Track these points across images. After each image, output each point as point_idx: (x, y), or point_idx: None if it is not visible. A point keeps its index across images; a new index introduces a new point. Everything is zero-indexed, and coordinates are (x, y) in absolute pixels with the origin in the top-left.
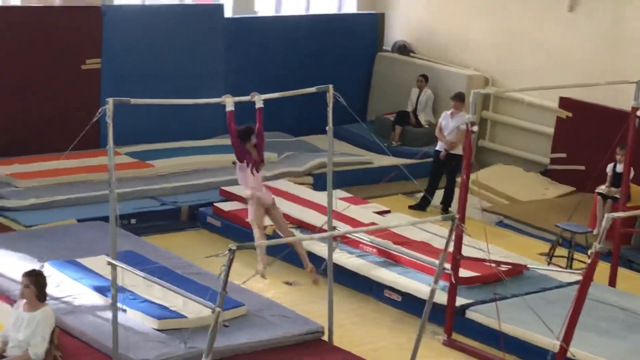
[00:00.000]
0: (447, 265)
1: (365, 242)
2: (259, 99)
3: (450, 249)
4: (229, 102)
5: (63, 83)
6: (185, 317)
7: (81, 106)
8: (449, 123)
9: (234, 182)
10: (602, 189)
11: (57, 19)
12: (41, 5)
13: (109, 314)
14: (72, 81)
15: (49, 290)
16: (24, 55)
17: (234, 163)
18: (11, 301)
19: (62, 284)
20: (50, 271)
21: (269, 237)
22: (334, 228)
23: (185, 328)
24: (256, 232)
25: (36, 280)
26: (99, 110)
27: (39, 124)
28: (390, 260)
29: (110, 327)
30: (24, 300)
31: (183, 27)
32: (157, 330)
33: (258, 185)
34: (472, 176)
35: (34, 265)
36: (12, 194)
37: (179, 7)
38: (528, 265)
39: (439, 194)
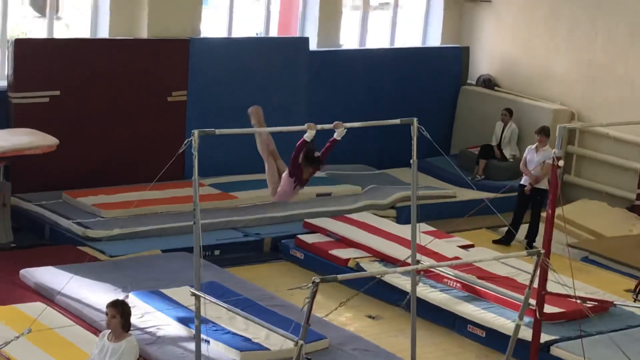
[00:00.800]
0: (532, 301)
1: (449, 276)
2: (340, 132)
3: (535, 284)
4: (311, 133)
5: (150, 115)
6: (268, 349)
7: (167, 138)
8: (534, 157)
9: (318, 215)
10: None
11: (145, 51)
12: (129, 38)
13: (192, 345)
14: (158, 113)
15: (133, 320)
16: (111, 87)
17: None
18: (97, 330)
19: (146, 314)
20: (134, 301)
21: (352, 270)
22: (418, 262)
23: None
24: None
25: (122, 310)
26: (185, 142)
27: (125, 155)
28: (474, 295)
29: (194, 358)
30: (109, 330)
31: (268, 60)
32: None
33: (287, 198)
34: (558, 211)
35: (119, 295)
36: (98, 224)
37: (264, 40)
38: (614, 302)
39: (523, 229)
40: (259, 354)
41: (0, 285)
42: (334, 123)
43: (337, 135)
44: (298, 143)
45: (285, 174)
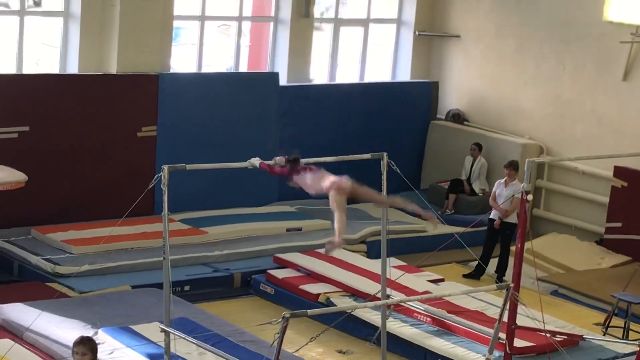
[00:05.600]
0: (502, 335)
1: (419, 310)
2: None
3: (505, 318)
4: (254, 161)
5: (119, 150)
6: None
7: (137, 173)
8: (503, 191)
9: (288, 250)
10: None
11: (114, 86)
12: (99, 73)
13: None
14: (128, 148)
15: (104, 356)
16: (81, 122)
17: (288, 230)
18: None
19: (115, 350)
20: (104, 338)
21: (323, 304)
22: (388, 296)
23: None
24: (337, 215)
25: (92, 347)
26: (155, 177)
27: (94, 191)
28: (445, 329)
29: None
30: None
31: (238, 95)
32: None
33: (323, 179)
34: (527, 245)
35: (88, 331)
36: (67, 261)
37: (234, 75)
38: (584, 336)
39: (493, 263)
40: None
41: None
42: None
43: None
44: (267, 170)
45: (294, 180)
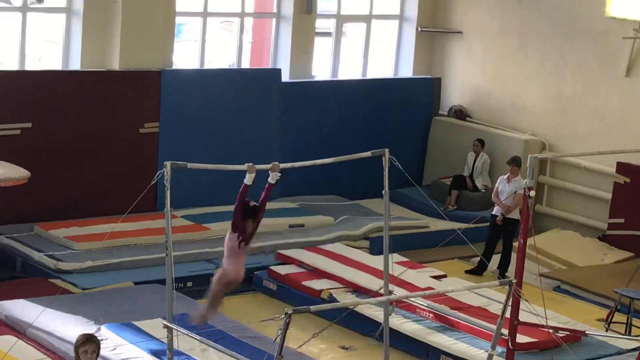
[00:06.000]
0: (505, 331)
1: (421, 306)
2: (274, 175)
3: (508, 314)
4: (250, 176)
5: (122, 146)
6: None
7: (139, 169)
8: (506, 188)
9: (291, 246)
10: None
11: (117, 83)
12: (101, 69)
13: None
14: (130, 145)
15: (106, 353)
16: (83, 118)
17: (290, 226)
18: None
19: (118, 347)
20: (106, 334)
21: (325, 301)
22: (391, 292)
23: None
24: (208, 305)
25: (98, 345)
26: (157, 173)
27: (97, 187)
28: (447, 325)
29: None
30: None
31: (240, 91)
32: None
33: (239, 261)
34: (529, 241)
35: (91, 328)
36: (70, 257)
37: (236, 71)
38: (586, 332)
39: (495, 259)
40: None
41: None
42: (271, 164)
43: (270, 179)
44: (240, 190)
45: (228, 232)
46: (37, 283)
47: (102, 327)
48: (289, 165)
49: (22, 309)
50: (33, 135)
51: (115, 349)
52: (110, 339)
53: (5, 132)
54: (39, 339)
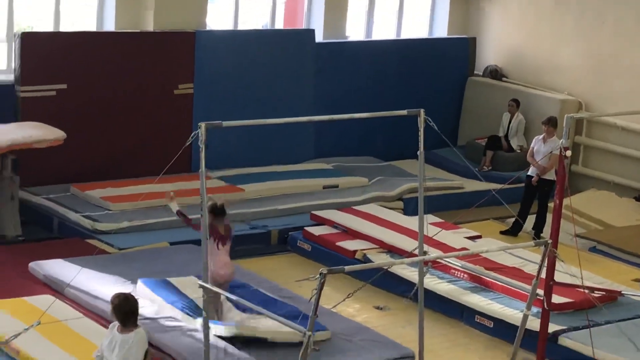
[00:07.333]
0: (540, 291)
1: (456, 267)
2: (174, 206)
3: (543, 275)
4: (173, 206)
5: (156, 108)
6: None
7: (174, 130)
8: (541, 148)
9: (325, 207)
10: None
11: (151, 44)
12: (135, 31)
13: (199, 334)
14: (165, 106)
15: (142, 310)
16: (118, 80)
17: (324, 187)
18: (106, 322)
19: (154, 305)
20: (142, 290)
21: (360, 261)
22: (425, 253)
23: (265, 340)
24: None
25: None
26: (192, 134)
27: (132, 148)
28: (482, 285)
29: (202, 347)
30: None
31: (274, 52)
32: (246, 351)
33: (222, 261)
34: (565, 201)
35: (127, 287)
36: (106, 217)
37: (270, 32)
38: (622, 292)
39: (530, 220)
40: (265, 342)
41: (10, 278)
42: (166, 194)
43: (173, 209)
44: (183, 221)
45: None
46: (74, 243)
47: (139, 281)
48: (326, 117)
49: (60, 269)
50: (68, 97)
51: (151, 306)
52: (147, 295)
53: (40, 93)
54: (77, 298)
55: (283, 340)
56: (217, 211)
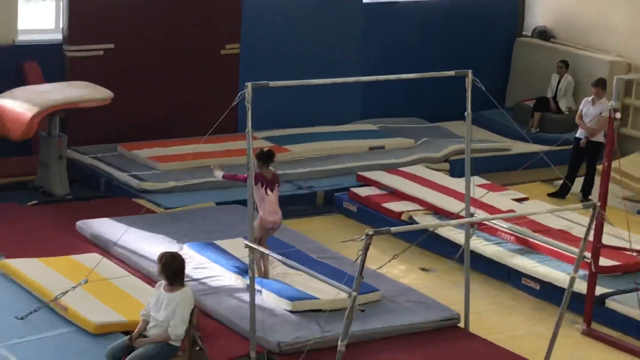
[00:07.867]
0: (587, 254)
1: (503, 229)
2: (218, 173)
3: (591, 237)
4: (218, 174)
5: (203, 68)
6: (319, 299)
7: (220, 91)
8: (590, 110)
9: (371, 168)
10: None
11: (198, 4)
12: None
13: (246, 296)
14: (211, 66)
15: (188, 271)
16: (164, 40)
17: (370, 148)
18: (152, 281)
19: (200, 265)
20: (189, 253)
21: (405, 222)
22: (472, 215)
23: (319, 311)
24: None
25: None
26: (238, 94)
27: (178, 109)
28: (529, 248)
29: (247, 309)
30: (165, 281)
31: (321, 13)
32: (291, 312)
33: (271, 207)
34: (614, 164)
35: (174, 247)
36: (153, 177)
37: None
38: None
39: (578, 182)
40: (310, 303)
41: (57, 237)
42: (212, 166)
43: (218, 177)
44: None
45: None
46: (121, 202)
47: (185, 245)
48: (372, 78)
49: (107, 228)
50: (115, 56)
51: (198, 267)
52: (193, 258)
53: (88, 53)
54: (123, 257)
55: (338, 307)
56: (264, 158)
